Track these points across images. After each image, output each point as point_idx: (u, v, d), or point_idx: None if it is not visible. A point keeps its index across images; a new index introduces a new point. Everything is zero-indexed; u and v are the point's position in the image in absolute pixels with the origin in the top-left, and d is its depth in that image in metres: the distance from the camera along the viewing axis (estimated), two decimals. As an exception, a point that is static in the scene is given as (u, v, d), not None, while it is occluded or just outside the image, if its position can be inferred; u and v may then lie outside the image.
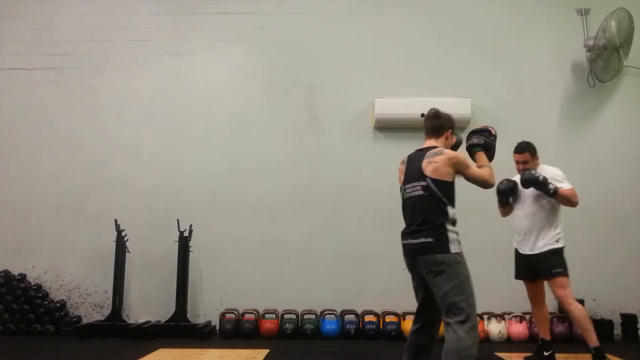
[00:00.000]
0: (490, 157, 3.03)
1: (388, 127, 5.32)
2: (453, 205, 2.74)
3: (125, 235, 5.00)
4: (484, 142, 3.01)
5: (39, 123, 5.47)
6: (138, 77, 5.53)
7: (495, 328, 4.70)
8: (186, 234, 4.96)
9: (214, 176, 5.33)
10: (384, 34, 5.50)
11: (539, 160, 3.80)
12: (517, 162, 3.78)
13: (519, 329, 4.68)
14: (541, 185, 3.54)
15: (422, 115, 5.10)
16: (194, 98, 5.48)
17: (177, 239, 4.92)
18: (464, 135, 3.13)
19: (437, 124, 2.90)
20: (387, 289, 5.02)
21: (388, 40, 5.48)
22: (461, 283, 2.57)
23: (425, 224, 2.68)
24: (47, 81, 5.53)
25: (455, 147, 3.01)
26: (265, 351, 4.13)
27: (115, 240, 4.94)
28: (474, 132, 3.07)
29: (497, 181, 3.03)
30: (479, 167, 2.91)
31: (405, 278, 5.10)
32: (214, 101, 5.48)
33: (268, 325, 4.78)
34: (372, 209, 5.22)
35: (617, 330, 4.83)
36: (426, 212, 2.69)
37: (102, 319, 4.96)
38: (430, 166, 2.71)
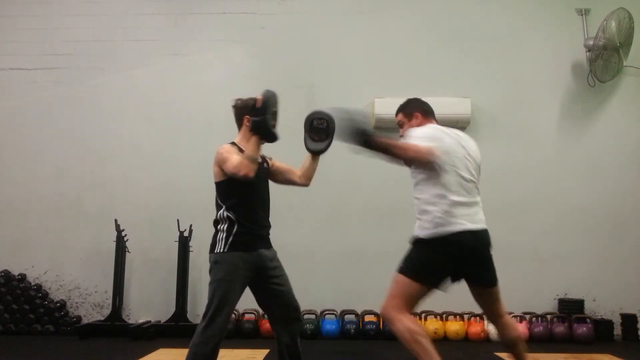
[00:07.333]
0: (264, 134, 2.48)
1: (388, 127, 5.29)
2: (230, 204, 2.76)
3: (125, 235, 5.00)
4: (251, 123, 2.47)
5: (39, 123, 5.46)
6: (138, 77, 5.52)
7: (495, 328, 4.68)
8: (186, 233, 4.96)
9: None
10: (384, 34, 5.50)
11: (427, 121, 2.66)
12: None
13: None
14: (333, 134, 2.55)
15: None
16: (194, 98, 5.47)
17: (177, 239, 4.92)
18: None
19: (235, 115, 2.85)
20: (387, 289, 5.01)
21: (388, 40, 5.48)
22: (211, 283, 2.71)
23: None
24: (47, 81, 5.52)
25: (257, 126, 2.52)
26: (265, 351, 4.13)
27: (115, 240, 4.94)
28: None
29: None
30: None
31: (405, 278, 5.15)
32: (214, 101, 5.46)
33: (268, 325, 4.78)
34: (372, 208, 5.22)
35: (617, 330, 4.83)
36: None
37: (102, 319, 4.96)
38: None
